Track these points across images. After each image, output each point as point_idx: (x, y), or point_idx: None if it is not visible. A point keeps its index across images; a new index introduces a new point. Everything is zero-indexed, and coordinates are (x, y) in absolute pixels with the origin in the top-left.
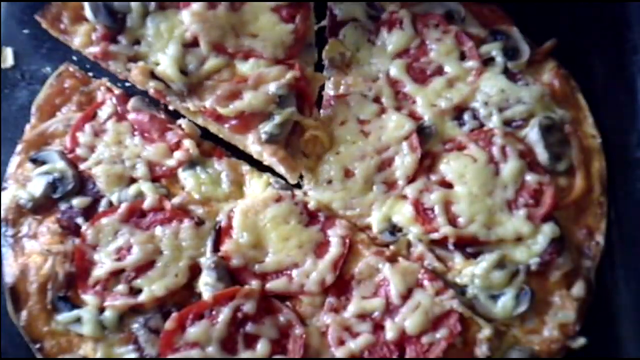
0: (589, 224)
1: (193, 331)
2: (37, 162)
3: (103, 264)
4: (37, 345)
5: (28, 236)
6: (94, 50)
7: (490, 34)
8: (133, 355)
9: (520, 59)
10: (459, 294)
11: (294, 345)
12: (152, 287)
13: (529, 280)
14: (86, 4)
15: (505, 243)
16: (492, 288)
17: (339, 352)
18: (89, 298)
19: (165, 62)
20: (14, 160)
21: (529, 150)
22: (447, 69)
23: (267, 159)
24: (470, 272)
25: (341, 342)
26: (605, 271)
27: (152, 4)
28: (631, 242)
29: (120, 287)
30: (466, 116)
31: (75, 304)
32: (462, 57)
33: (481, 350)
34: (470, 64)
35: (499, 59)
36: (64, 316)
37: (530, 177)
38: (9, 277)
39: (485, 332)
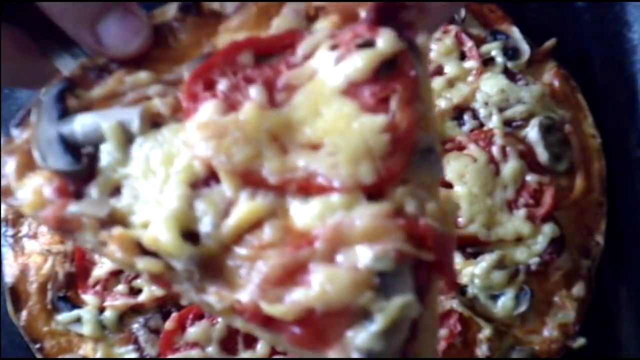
0: (589, 224)
1: (193, 331)
2: None
3: (103, 264)
4: (37, 345)
5: (28, 236)
6: (43, 215)
7: (490, 34)
8: (133, 355)
9: (520, 59)
10: (459, 294)
11: None
12: (152, 287)
13: (529, 280)
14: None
15: (505, 243)
16: (492, 288)
17: None
18: (89, 298)
19: (157, 221)
20: None
21: (529, 150)
22: (447, 69)
23: None
24: (470, 272)
25: None
26: (605, 271)
27: (136, 122)
28: (631, 242)
29: (120, 287)
30: (466, 116)
31: (75, 304)
32: (462, 57)
33: (481, 350)
34: (470, 64)
35: (499, 59)
36: (64, 316)
37: (530, 177)
38: (9, 277)
39: (486, 332)
